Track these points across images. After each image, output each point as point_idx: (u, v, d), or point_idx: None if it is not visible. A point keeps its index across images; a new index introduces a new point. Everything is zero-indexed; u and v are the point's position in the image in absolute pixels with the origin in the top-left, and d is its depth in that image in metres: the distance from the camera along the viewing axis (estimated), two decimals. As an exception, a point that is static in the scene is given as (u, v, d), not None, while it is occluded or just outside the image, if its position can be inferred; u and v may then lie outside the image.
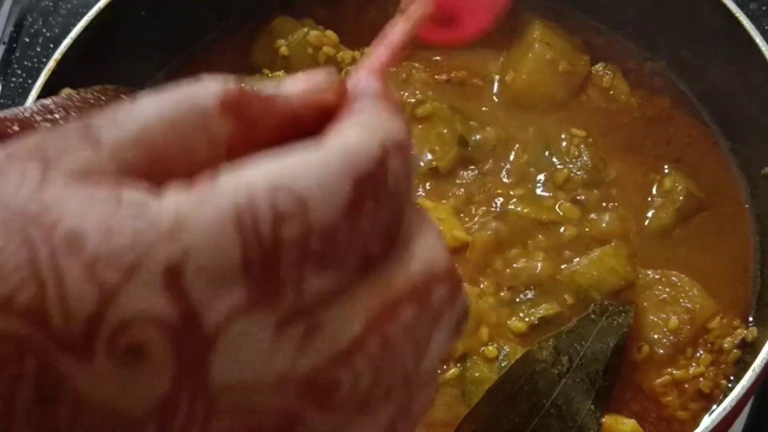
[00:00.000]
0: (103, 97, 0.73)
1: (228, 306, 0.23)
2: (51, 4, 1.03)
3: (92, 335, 0.23)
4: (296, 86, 0.28)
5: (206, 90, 0.26)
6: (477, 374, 0.68)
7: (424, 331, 0.27)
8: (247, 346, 0.24)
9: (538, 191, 0.78)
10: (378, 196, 0.26)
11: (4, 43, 0.99)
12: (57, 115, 0.68)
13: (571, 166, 0.79)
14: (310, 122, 0.28)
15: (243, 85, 0.27)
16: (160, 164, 0.25)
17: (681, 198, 0.77)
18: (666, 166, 0.80)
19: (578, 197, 0.77)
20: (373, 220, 0.26)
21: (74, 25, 0.76)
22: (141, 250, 0.23)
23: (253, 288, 0.24)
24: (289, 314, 0.24)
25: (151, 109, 0.26)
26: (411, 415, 0.28)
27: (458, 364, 0.69)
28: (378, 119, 0.27)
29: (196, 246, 0.23)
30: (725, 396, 0.65)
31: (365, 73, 0.30)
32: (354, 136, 0.26)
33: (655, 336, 0.71)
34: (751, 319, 0.73)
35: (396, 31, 0.33)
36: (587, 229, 0.76)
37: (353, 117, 0.27)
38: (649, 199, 0.78)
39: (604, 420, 0.66)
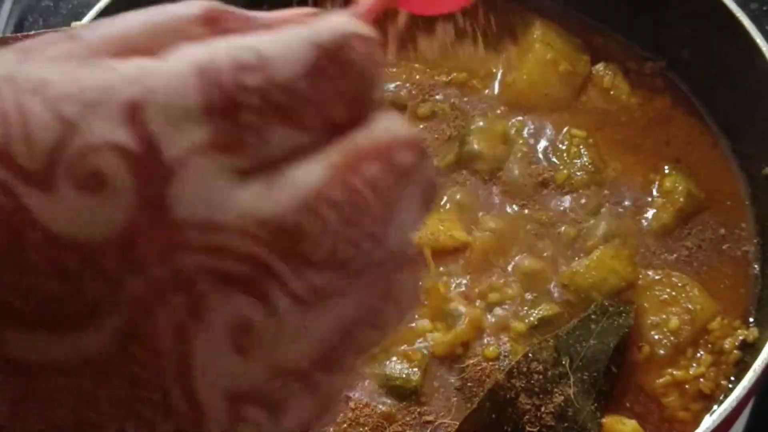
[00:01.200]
0: None
1: (189, 142, 0.24)
2: (51, 4, 1.04)
3: (54, 164, 0.23)
4: (275, 13, 0.30)
5: (190, 5, 0.28)
6: (478, 373, 0.68)
7: (390, 190, 0.27)
8: (208, 183, 0.24)
9: (539, 191, 0.78)
10: (342, 67, 0.27)
11: (4, 44, 0.99)
12: None
13: (571, 166, 0.79)
14: None
15: (227, 7, 0.28)
16: (133, 52, 0.26)
17: (681, 198, 0.77)
18: (666, 166, 0.80)
19: (579, 197, 0.77)
20: (336, 87, 0.27)
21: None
22: (104, 89, 0.24)
23: (214, 129, 0.25)
24: (253, 161, 0.25)
25: (133, 16, 0.27)
26: (390, 289, 0.28)
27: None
28: (347, 20, 0.28)
29: (158, 87, 0.24)
30: (726, 397, 0.65)
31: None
32: (322, 21, 0.28)
33: (656, 336, 0.71)
34: (751, 319, 0.73)
35: None
36: (587, 230, 0.76)
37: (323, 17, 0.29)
38: (650, 199, 0.78)
39: (604, 420, 0.66)
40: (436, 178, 0.29)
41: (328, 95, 0.27)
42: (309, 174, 0.26)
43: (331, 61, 0.27)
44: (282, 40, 0.26)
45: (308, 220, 0.25)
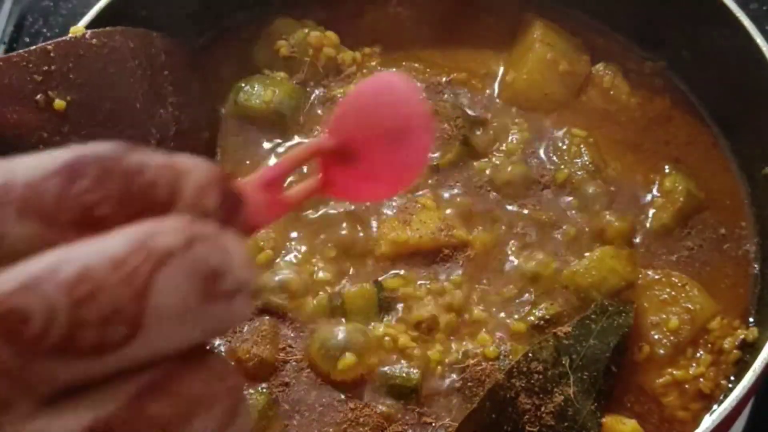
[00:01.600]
0: (111, 42, 0.72)
1: None
2: (51, 4, 1.04)
3: None
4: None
5: None
6: (478, 373, 0.68)
7: (136, 267, 0.24)
8: None
9: (539, 191, 0.78)
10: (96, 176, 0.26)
11: (4, 43, 0.99)
12: (53, 66, 0.68)
13: (571, 165, 0.79)
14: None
15: None
16: None
17: (681, 198, 0.77)
18: (666, 166, 0.80)
19: (579, 197, 0.77)
20: (95, 188, 0.26)
21: (74, 24, 0.76)
22: None
23: None
24: None
25: None
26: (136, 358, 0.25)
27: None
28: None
29: None
30: (726, 396, 0.65)
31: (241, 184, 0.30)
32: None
33: (656, 336, 0.71)
34: (751, 319, 0.73)
35: (287, 155, 0.33)
36: (587, 229, 0.76)
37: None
38: (650, 198, 0.78)
39: (604, 420, 0.66)
40: (221, 260, 0.26)
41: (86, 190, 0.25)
42: (40, 261, 0.24)
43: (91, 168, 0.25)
44: None
45: (31, 300, 0.23)
